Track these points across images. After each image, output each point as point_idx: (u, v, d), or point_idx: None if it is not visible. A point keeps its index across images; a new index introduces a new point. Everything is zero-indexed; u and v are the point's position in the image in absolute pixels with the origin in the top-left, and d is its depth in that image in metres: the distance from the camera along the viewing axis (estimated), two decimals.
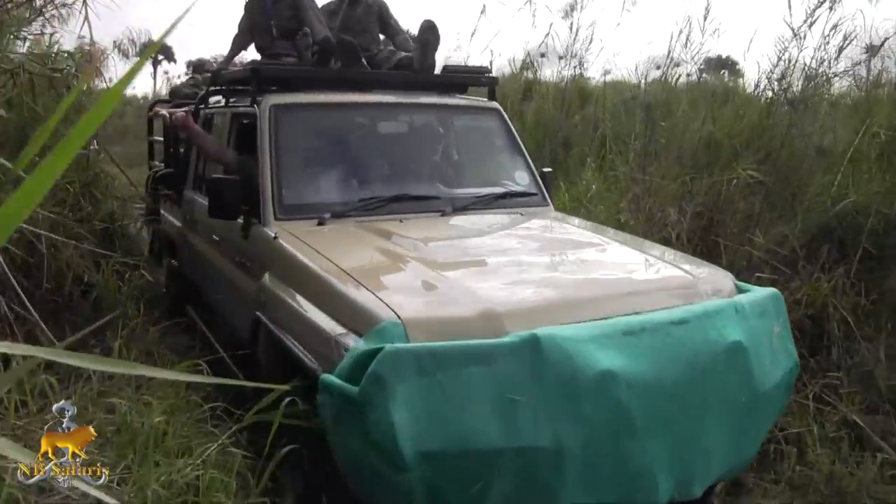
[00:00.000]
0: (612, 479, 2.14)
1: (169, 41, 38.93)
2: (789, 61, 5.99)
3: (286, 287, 2.74)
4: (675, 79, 5.99)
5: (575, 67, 7.04)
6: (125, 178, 5.14)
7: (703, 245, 4.60)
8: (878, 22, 5.85)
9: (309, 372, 2.30)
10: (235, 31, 4.66)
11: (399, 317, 2.12)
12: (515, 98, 7.61)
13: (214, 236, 3.78)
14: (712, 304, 2.46)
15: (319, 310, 2.44)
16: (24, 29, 4.11)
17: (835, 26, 5.86)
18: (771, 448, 3.34)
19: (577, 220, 3.71)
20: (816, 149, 5.06)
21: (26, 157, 0.87)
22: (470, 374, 1.99)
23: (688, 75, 6.34)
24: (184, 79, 8.33)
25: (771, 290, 2.70)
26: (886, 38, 5.89)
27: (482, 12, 7.27)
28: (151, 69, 33.59)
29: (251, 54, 4.77)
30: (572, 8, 7.09)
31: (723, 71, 10.66)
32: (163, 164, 5.30)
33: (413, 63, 3.84)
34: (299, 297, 2.61)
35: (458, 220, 3.33)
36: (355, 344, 2.13)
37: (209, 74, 4.89)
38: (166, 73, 31.93)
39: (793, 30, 6.11)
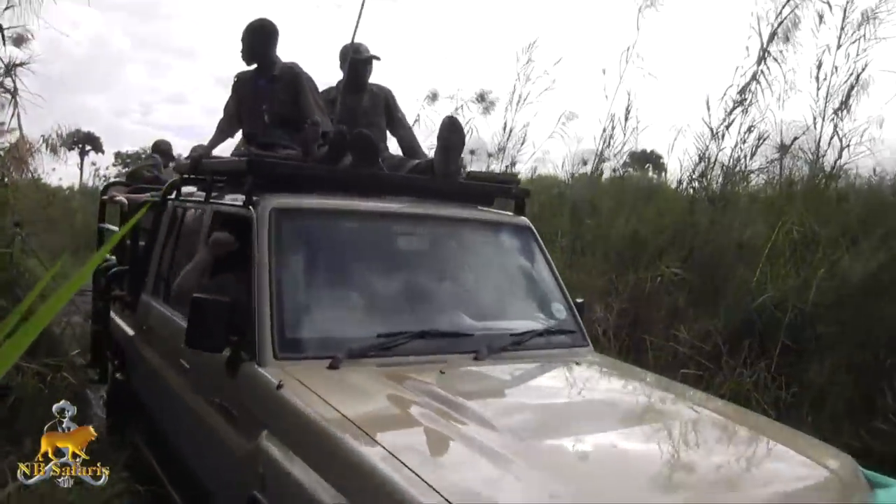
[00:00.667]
0: None
1: (97, 132, 38.99)
2: (709, 159, 6.33)
3: (303, 465, 2.00)
4: (598, 174, 6.22)
5: (507, 166, 7.24)
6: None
7: (629, 341, 4.67)
8: (787, 124, 6.28)
9: None
10: (221, 114, 3.94)
11: None
12: None
13: (184, 362, 2.98)
14: None
15: None
16: None
17: (750, 128, 6.27)
18: None
19: (630, 369, 3.19)
20: (737, 244, 5.28)
21: None
22: None
23: (613, 170, 6.61)
24: (112, 171, 8.13)
25: None
26: (796, 138, 6.30)
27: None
28: (79, 160, 33.53)
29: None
30: (492, 104, 7.45)
31: (647, 165, 11.13)
32: (115, 258, 4.55)
33: (434, 168, 3.27)
34: (325, 485, 1.88)
35: (505, 371, 2.72)
36: None
37: (184, 159, 4.09)
38: (94, 164, 31.47)
39: (711, 130, 6.50)
